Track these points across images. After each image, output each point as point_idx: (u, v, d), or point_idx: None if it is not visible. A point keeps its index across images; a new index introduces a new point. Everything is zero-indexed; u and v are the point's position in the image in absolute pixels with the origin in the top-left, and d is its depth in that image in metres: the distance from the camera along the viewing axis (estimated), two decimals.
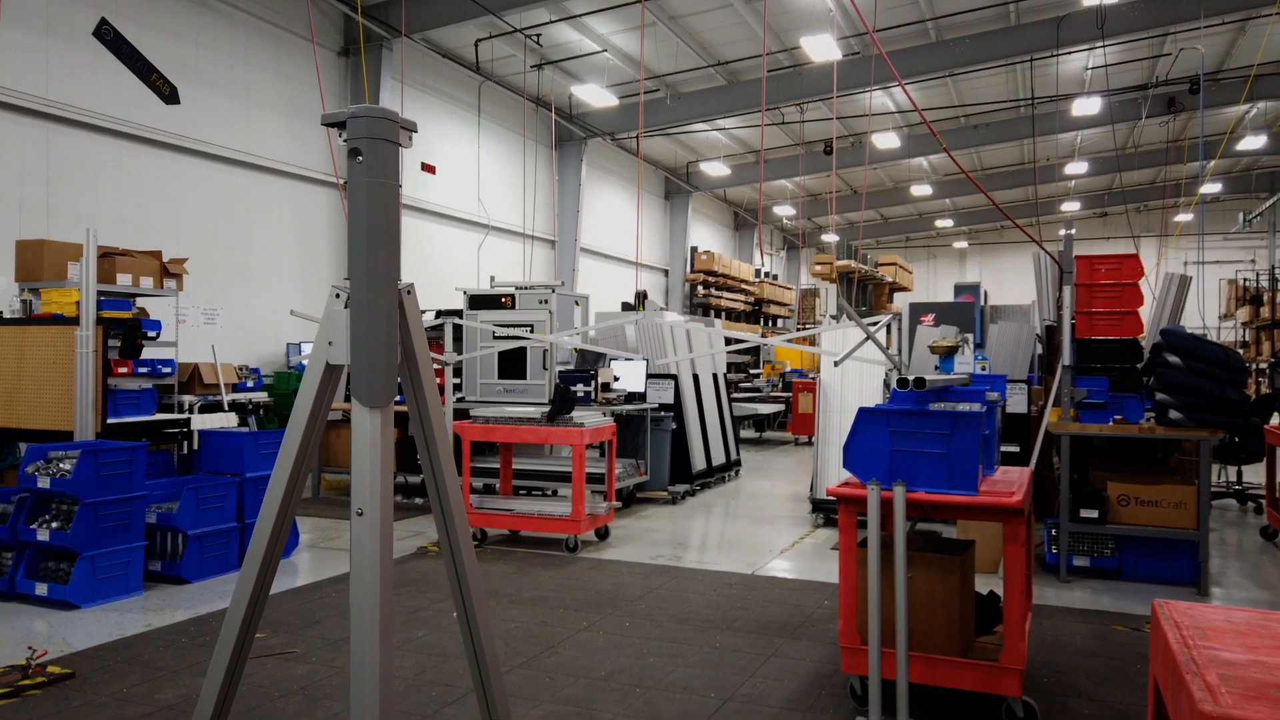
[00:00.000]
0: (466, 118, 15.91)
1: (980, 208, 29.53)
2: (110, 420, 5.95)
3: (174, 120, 10.59)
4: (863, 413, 3.54)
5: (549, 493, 8.19)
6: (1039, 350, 8.06)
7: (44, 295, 7.38)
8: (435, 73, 15.06)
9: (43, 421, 5.91)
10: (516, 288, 8.94)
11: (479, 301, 8.82)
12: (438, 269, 14.68)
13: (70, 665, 4.00)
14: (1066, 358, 6.13)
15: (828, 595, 5.34)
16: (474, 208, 15.46)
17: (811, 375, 15.24)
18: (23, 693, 3.68)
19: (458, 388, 8.65)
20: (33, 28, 9.40)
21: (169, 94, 9.65)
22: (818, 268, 18.88)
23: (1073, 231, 6.51)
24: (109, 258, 7.74)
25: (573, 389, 7.62)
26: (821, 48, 13.69)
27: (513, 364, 8.41)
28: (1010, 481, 3.78)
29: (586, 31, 14.93)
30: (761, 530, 7.47)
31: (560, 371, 8.73)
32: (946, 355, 4.25)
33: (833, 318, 5.16)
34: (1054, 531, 5.88)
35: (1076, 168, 22.93)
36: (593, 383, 8.52)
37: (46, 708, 3.57)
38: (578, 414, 6.89)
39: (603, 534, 6.96)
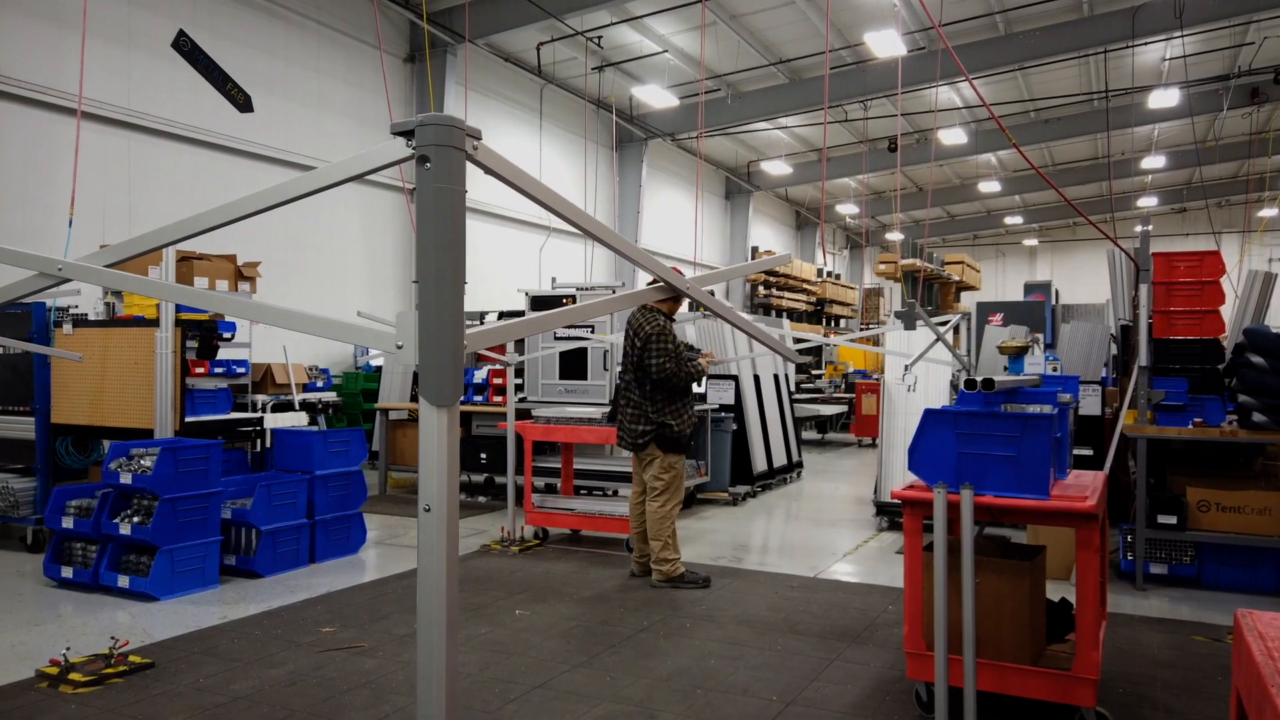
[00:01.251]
0: (528, 120, 16.08)
1: (1052, 204, 28.75)
2: (188, 419, 6.16)
3: (247, 127, 10.92)
4: (929, 414, 3.48)
5: (609, 493, 8.22)
6: (1114, 351, 7.81)
7: (126, 298, 7.68)
8: (498, 77, 15.25)
9: (125, 420, 6.14)
10: (578, 288, 8.99)
11: (540, 302, 8.89)
12: (500, 270, 14.87)
13: (150, 655, 4.15)
14: (1143, 358, 5.93)
15: (892, 600, 5.25)
16: (535, 209, 15.64)
17: (875, 376, 15.02)
18: (106, 681, 3.83)
19: (519, 388, 8.75)
20: (115, 40, 9.79)
21: (243, 102, 9.95)
22: (882, 267, 18.61)
23: (1149, 228, 6.29)
24: (187, 262, 8.01)
25: None
26: (886, 43, 13.48)
27: (573, 365, 8.46)
28: (1083, 485, 3.67)
29: (647, 32, 14.96)
30: (824, 533, 7.39)
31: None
32: (1016, 356, 4.14)
33: (898, 314, 5.03)
34: (1130, 537, 5.69)
35: (1153, 162, 22.17)
36: None
37: (128, 696, 3.71)
38: None
39: None
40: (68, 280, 1.72)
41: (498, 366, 8.84)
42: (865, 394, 13.90)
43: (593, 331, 8.06)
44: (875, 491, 7.84)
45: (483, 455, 8.69)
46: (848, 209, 26.98)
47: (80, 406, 6.31)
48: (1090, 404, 6.93)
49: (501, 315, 11.22)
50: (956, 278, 20.17)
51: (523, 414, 7.45)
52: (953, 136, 18.99)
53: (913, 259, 18.14)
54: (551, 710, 3.62)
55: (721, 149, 21.73)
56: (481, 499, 8.76)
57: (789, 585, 5.63)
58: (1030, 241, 33.20)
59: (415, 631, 4.41)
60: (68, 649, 4.05)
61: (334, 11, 12.31)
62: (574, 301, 8.89)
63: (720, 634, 4.61)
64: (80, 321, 6.57)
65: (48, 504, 5.60)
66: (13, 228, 8.92)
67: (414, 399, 9.87)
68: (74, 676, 3.80)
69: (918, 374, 7.17)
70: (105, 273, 1.64)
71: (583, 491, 8.10)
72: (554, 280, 10.30)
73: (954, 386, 7.21)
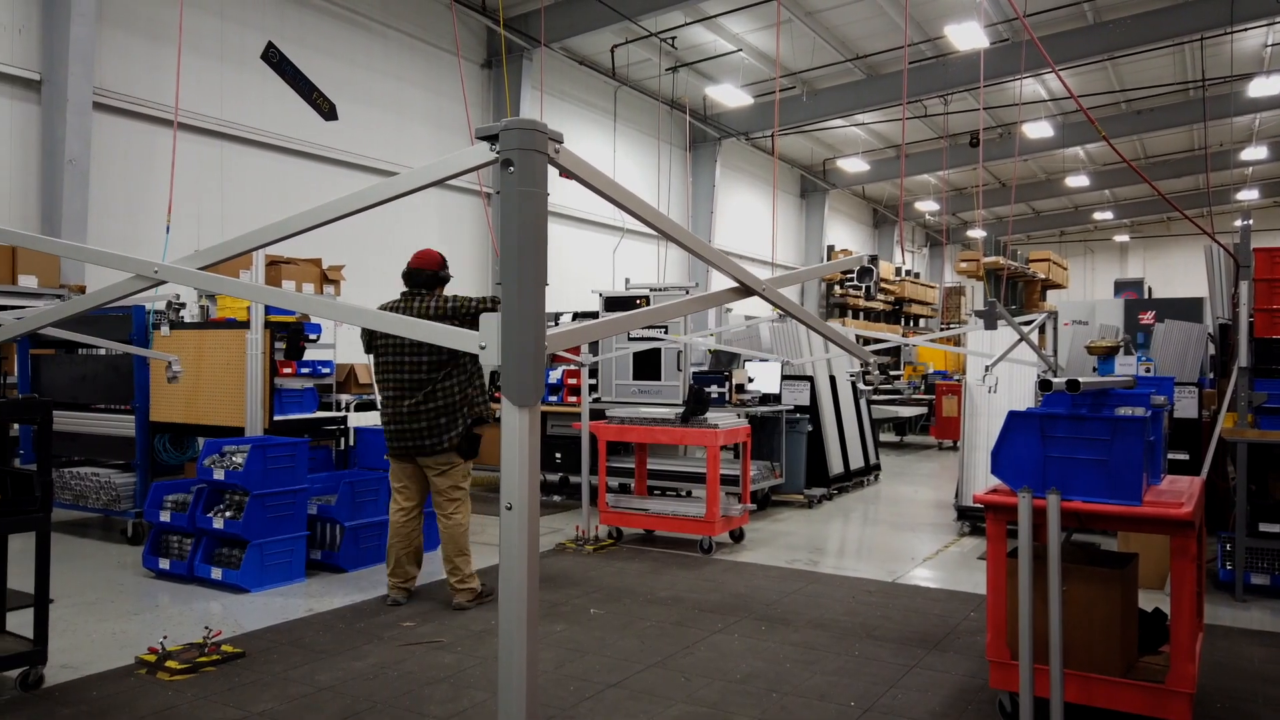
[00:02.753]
0: (602, 122, 16.18)
1: (1144, 198, 27.63)
2: (276, 417, 6.37)
3: (332, 135, 11.25)
4: (1013, 416, 3.38)
5: (683, 493, 8.21)
6: (1212, 351, 7.47)
7: (219, 301, 7.99)
8: (573, 80, 15.39)
9: (218, 418, 6.40)
10: (651, 289, 9.01)
11: (614, 303, 8.94)
12: (574, 271, 15.00)
13: (241, 645, 4.31)
14: (1243, 359, 5.64)
15: (974, 606, 5.12)
16: (609, 211, 15.73)
17: (956, 377, 14.67)
18: (200, 669, 3.99)
19: (593, 388, 8.81)
20: (209, 54, 10.20)
21: (328, 111, 10.26)
22: (963, 265, 18.16)
23: (1250, 222, 6.00)
24: (275, 266, 8.29)
25: (707, 390, 7.61)
26: (967, 36, 13.16)
27: (647, 365, 8.48)
28: (1179, 491, 3.52)
29: (721, 32, 14.91)
30: (903, 537, 7.25)
31: (694, 373, 8.74)
32: (1105, 356, 4.00)
33: (978, 313, 4.91)
34: (1229, 546, 5.43)
35: (1254, 153, 21.12)
36: (727, 384, 8.49)
37: (220, 684, 3.86)
38: (712, 415, 6.89)
39: (737, 536, 6.92)
40: (163, 282, 1.80)
41: (572, 367, 8.92)
42: (945, 395, 13.59)
43: (666, 332, 8.06)
44: (956, 495, 7.65)
45: (557, 455, 8.78)
46: (927, 206, 26.41)
47: (176, 405, 6.59)
48: (1186, 406, 6.64)
49: (576, 316, 11.31)
50: (1042, 276, 19.53)
51: (597, 414, 7.50)
52: (1038, 130, 18.41)
53: (995, 256, 17.65)
54: (626, 709, 3.63)
55: (796, 147, 21.51)
56: (556, 498, 8.85)
57: (866, 590, 5.54)
58: (1121, 238, 31.98)
59: (492, 628, 4.45)
60: (165, 638, 4.24)
61: (414, 20, 12.60)
62: (648, 302, 8.92)
63: (796, 638, 4.56)
64: (176, 324, 6.87)
65: (147, 498, 5.87)
66: (116, 234, 9.38)
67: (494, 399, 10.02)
68: (170, 664, 3.97)
69: (998, 375, 6.97)
70: (198, 275, 1.71)
71: (656, 492, 8.11)
72: (628, 281, 10.34)
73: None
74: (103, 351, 6.94)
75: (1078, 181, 24.12)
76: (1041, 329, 9.58)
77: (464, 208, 13.57)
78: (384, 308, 4.97)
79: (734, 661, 4.20)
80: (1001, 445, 3.39)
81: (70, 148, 8.84)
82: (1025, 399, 6.97)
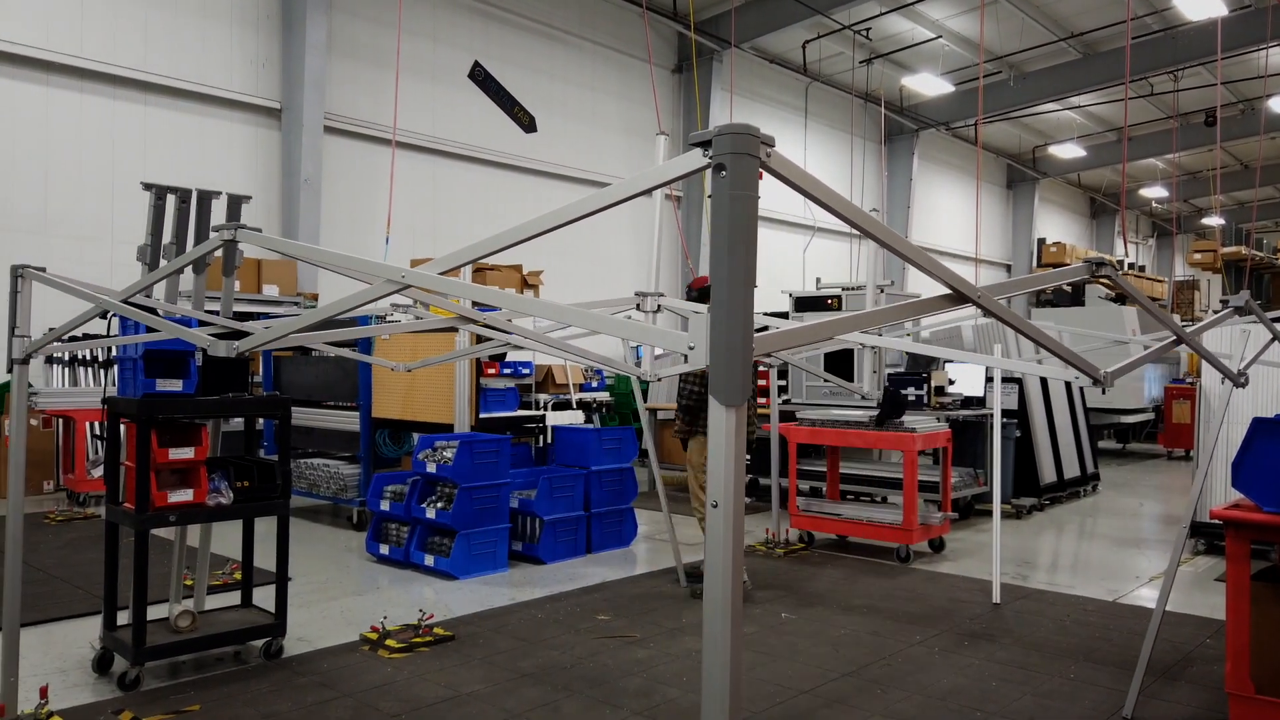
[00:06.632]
0: (793, 120, 15.98)
1: None
2: (481, 415, 6.74)
3: (530, 146, 11.78)
4: (1259, 424, 3.03)
5: (878, 499, 7.95)
6: None
7: (430, 308, 8.55)
8: (762, 79, 15.30)
9: (430, 415, 6.85)
10: (843, 288, 8.79)
11: (805, 303, 8.79)
12: (764, 271, 14.88)
13: (450, 628, 4.59)
14: None
15: (1210, 633, 4.63)
16: (799, 210, 15.49)
17: (1189, 380, 13.33)
18: (415, 649, 4.29)
19: (783, 389, 8.70)
20: (422, 76, 10.95)
21: (528, 124, 10.76)
22: (1197, 256, 16.51)
23: None
24: (480, 272, 8.78)
25: (903, 392, 7.33)
26: (1201, 5, 11.94)
27: (840, 366, 8.28)
28: None
29: (919, 19, 14.34)
30: (1124, 553, 6.67)
31: (890, 374, 8.43)
32: None
33: (1222, 301, 4.36)
34: None
35: None
36: (925, 386, 8.13)
37: (433, 664, 4.13)
38: (908, 418, 6.62)
39: (937, 545, 6.62)
40: (408, 286, 1.97)
41: (762, 368, 8.85)
42: (1176, 399, 12.38)
43: None
44: (1194, 511, 6.94)
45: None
46: (1154, 192, 24.19)
47: (394, 403, 7.12)
48: None
49: (765, 315, 11.23)
50: None
51: (786, 416, 7.40)
52: None
53: (1237, 246, 15.90)
54: (818, 717, 3.56)
55: (1002, 135, 20.33)
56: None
57: (1083, 608, 5.14)
58: None
59: (683, 625, 4.49)
60: (385, 618, 4.58)
61: (608, 30, 12.97)
62: (839, 302, 8.71)
63: (1003, 655, 4.30)
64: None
65: (369, 489, 6.38)
66: (343, 245, 10.26)
67: None
68: (390, 643, 4.29)
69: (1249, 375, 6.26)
70: (437, 279, 1.85)
71: (849, 496, 7.90)
72: (818, 281, 10.15)
73: None
74: (332, 354, 7.60)
75: None
76: None
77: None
78: None
79: (933, 675, 4.02)
80: (1245, 456, 3.05)
81: (305, 168, 9.77)
82: (1272, 404, 6.23)
